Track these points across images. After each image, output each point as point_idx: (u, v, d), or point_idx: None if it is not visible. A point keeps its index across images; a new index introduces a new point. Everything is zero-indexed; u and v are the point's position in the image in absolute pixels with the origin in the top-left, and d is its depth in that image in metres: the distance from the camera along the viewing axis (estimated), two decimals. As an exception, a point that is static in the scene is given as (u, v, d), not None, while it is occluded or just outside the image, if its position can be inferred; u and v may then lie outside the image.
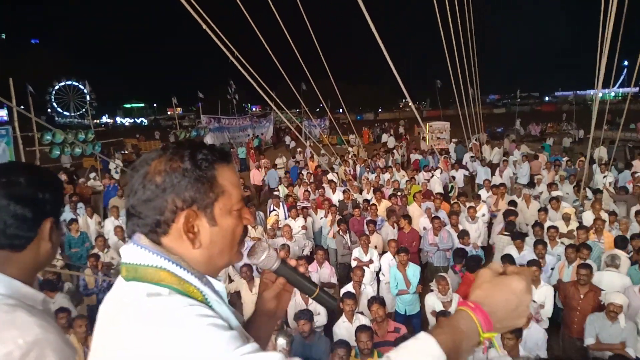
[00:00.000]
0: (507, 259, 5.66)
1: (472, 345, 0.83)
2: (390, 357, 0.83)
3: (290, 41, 9.88)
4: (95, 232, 9.29)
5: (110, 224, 9.13)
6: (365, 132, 31.06)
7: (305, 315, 4.87)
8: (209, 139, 27.09)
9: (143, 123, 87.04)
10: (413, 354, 0.82)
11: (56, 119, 67.92)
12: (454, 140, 20.82)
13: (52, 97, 71.02)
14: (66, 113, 72.50)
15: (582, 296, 5.22)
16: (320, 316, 5.47)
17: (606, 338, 4.72)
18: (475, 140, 18.12)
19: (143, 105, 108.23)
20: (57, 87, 70.92)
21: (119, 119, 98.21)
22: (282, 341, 4.16)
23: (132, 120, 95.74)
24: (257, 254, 1.09)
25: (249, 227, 6.69)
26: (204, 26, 6.51)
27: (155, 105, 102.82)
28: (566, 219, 7.74)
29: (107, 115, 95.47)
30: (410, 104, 12.32)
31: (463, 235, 7.22)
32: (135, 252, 0.91)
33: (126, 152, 26.84)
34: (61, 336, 1.09)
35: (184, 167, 0.90)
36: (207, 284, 0.93)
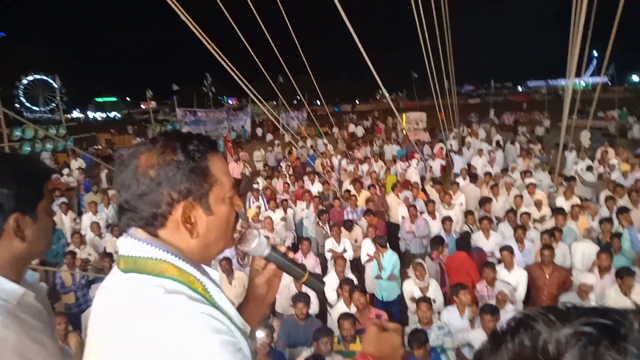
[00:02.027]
0: (507, 249, 5.80)
1: None
2: None
3: (266, 33, 9.81)
4: (70, 229, 9.10)
5: (87, 219, 8.96)
6: (349, 124, 31.03)
7: (304, 298, 5.00)
8: (184, 133, 26.73)
9: (116, 117, 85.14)
10: None
11: (25, 114, 65.78)
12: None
13: (20, 91, 68.69)
14: (35, 108, 70.24)
15: (547, 276, 5.48)
16: (313, 305, 5.53)
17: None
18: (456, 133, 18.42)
19: (115, 99, 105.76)
20: (25, 82, 68.61)
21: (90, 114, 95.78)
22: (261, 334, 4.18)
23: (104, 115, 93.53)
24: (249, 242, 1.11)
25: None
26: (183, 17, 6.39)
27: (128, 98, 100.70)
28: (538, 205, 8.01)
29: (78, 110, 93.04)
30: (386, 95, 12.39)
31: (445, 220, 7.35)
32: (133, 245, 0.92)
33: (100, 147, 26.26)
34: (31, 334, 1.06)
35: (177, 160, 0.91)
36: (204, 274, 0.95)
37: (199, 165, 0.93)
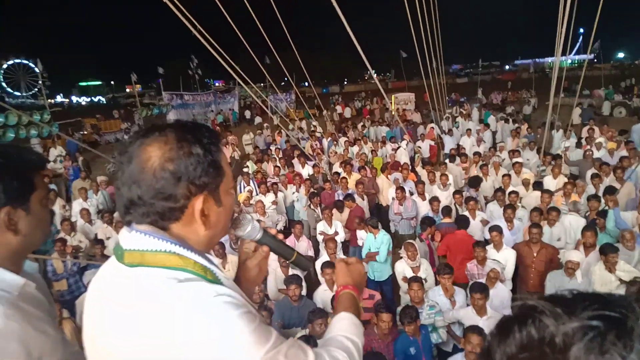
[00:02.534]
0: (496, 229, 5.89)
1: (358, 304, 1.26)
2: (333, 329, 1.14)
3: (252, 13, 9.64)
4: (59, 216, 9.01)
5: (78, 206, 8.88)
6: (342, 105, 30.89)
7: (296, 280, 5.08)
8: (171, 117, 26.42)
9: (101, 101, 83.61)
10: (346, 321, 1.16)
11: (6, 99, 64.25)
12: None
13: (1, 76, 66.93)
14: (17, 93, 68.58)
15: (535, 254, 5.60)
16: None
17: (565, 294, 5.06)
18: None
19: (100, 83, 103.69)
20: (5, 67, 66.79)
21: (74, 98, 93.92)
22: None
23: (88, 99, 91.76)
24: (244, 226, 1.13)
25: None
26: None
27: (112, 82, 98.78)
28: (526, 184, 8.13)
29: (61, 95, 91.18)
30: (373, 76, 12.35)
31: (432, 201, 7.44)
32: (139, 239, 0.91)
33: (85, 132, 25.83)
34: (34, 324, 1.07)
35: (196, 153, 0.91)
36: (212, 263, 0.97)
37: (215, 158, 0.94)
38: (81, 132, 25.26)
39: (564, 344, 0.43)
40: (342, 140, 14.25)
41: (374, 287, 6.12)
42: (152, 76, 46.66)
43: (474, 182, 8.51)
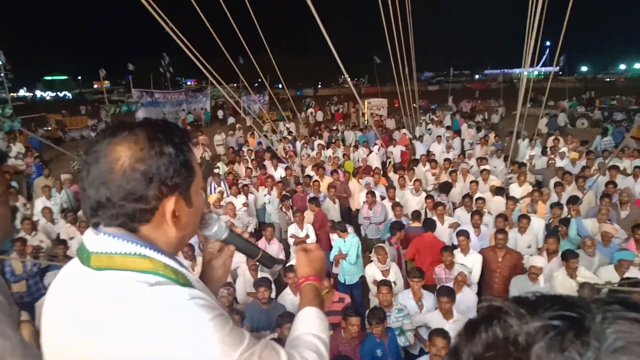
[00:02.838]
0: (464, 234, 6.01)
1: (321, 294, 1.24)
2: (300, 326, 1.12)
3: (228, 14, 9.57)
4: (20, 215, 8.66)
5: (40, 204, 8.55)
6: (316, 108, 30.87)
7: (265, 282, 5.04)
8: (141, 115, 25.85)
9: (67, 97, 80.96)
10: (311, 317, 1.13)
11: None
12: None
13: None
14: (-24, 85, 65.64)
15: (500, 259, 5.75)
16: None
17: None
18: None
19: (66, 77, 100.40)
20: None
21: (39, 93, 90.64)
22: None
23: (54, 94, 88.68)
24: (210, 226, 1.13)
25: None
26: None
27: (80, 77, 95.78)
28: (493, 191, 8.35)
29: (25, 89, 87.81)
30: (348, 81, 12.45)
31: (395, 206, 7.52)
32: (107, 242, 0.88)
33: (50, 128, 24.96)
34: None
35: (168, 153, 0.88)
36: (182, 265, 0.95)
37: (187, 158, 0.92)
38: (45, 128, 24.39)
39: (527, 343, 0.45)
40: (317, 143, 14.27)
41: (344, 290, 6.15)
42: (122, 72, 45.44)
43: (445, 188, 8.68)
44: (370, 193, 7.94)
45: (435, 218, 7.12)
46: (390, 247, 6.54)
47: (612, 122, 17.27)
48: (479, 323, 0.51)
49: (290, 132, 18.20)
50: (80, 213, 7.99)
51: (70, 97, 78.91)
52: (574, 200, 7.11)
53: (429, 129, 17.20)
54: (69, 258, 1.03)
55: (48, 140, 15.20)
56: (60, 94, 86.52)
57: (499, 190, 8.26)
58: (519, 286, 5.28)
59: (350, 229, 6.73)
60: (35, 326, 4.61)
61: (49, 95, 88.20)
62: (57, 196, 9.16)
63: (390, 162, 12.80)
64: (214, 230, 1.13)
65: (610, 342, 0.42)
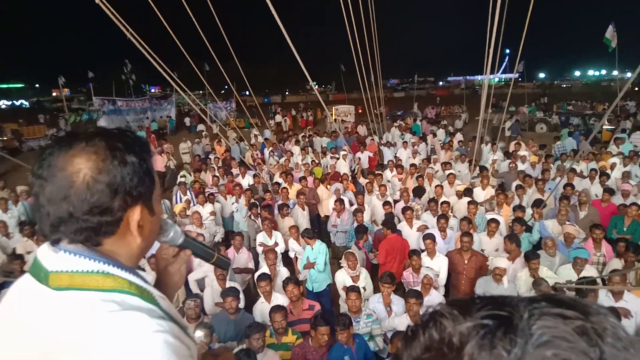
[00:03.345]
0: (430, 237, 6.11)
1: None
2: None
3: (193, 19, 9.45)
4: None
5: (-5, 217, 8.15)
6: (289, 115, 30.79)
7: (233, 292, 4.96)
8: (103, 123, 25.18)
9: (23, 105, 77.80)
10: None
11: None
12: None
13: None
14: None
15: (466, 261, 5.87)
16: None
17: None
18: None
19: (23, 85, 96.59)
20: None
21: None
22: (199, 333, 4.11)
23: (9, 103, 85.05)
24: (166, 232, 1.11)
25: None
26: (97, 0, 5.96)
27: (37, 85, 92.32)
28: (459, 195, 8.55)
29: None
30: (314, 88, 12.50)
31: (356, 212, 7.56)
32: (67, 260, 0.84)
33: (5, 138, 23.90)
34: None
35: (131, 162, 0.85)
36: (145, 281, 0.91)
37: (149, 166, 0.90)
38: (0, 138, 23.36)
39: (460, 343, 0.47)
40: (297, 148, 14.26)
41: (313, 298, 6.10)
42: (82, 80, 44.11)
43: (418, 192, 8.83)
44: (339, 201, 7.96)
45: (404, 223, 7.25)
46: (359, 250, 6.58)
47: (571, 127, 18.04)
48: (417, 327, 0.53)
49: (256, 138, 18.06)
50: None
51: (28, 105, 75.90)
52: (538, 204, 7.36)
53: (402, 135, 17.44)
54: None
55: (3, 151, 14.55)
56: (17, 103, 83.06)
57: (466, 192, 8.47)
58: (484, 287, 5.41)
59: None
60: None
61: (4, 104, 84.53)
62: (13, 209, 8.78)
63: (358, 168, 12.91)
64: (170, 235, 1.11)
65: (536, 337, 0.44)
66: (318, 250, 6.39)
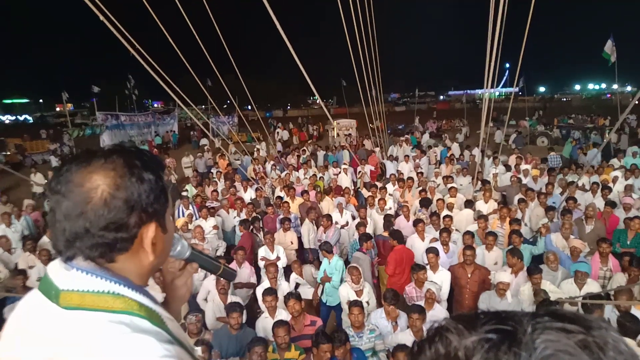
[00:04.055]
0: (433, 251, 6.10)
1: None
2: None
3: (195, 34, 9.58)
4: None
5: (0, 231, 8.16)
6: (294, 130, 30.87)
7: (239, 307, 4.96)
8: (106, 138, 25.29)
9: (27, 120, 78.29)
10: None
11: None
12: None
13: None
14: None
15: (469, 275, 5.85)
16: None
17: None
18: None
19: (27, 100, 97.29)
20: None
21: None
22: (197, 350, 4.09)
23: (13, 118, 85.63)
24: (174, 245, 1.11)
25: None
26: (101, 17, 6.05)
27: (41, 100, 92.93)
28: (460, 205, 8.53)
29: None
30: (319, 102, 12.52)
31: (359, 226, 7.56)
32: (79, 278, 0.84)
33: (9, 152, 24.04)
34: None
35: (148, 179, 0.87)
36: (155, 302, 0.91)
37: (164, 184, 0.91)
38: (3, 153, 23.49)
39: (466, 357, 0.48)
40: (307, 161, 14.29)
41: (326, 311, 6.25)
42: (86, 95, 44.51)
43: (425, 203, 8.88)
44: (326, 217, 7.92)
45: (416, 235, 7.28)
46: (365, 254, 6.57)
47: (573, 141, 18.06)
48: (424, 342, 0.55)
49: (258, 152, 18.10)
50: (41, 241, 7.65)
51: (32, 120, 76.39)
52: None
53: (413, 149, 17.43)
54: (28, 289, 0.97)
55: (7, 166, 14.59)
56: (20, 118, 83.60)
57: (467, 204, 8.46)
58: (487, 302, 5.37)
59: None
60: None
61: (7, 119, 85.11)
62: (17, 223, 8.78)
63: (361, 181, 12.93)
64: (177, 249, 1.12)
65: (540, 351, 0.45)
66: (335, 266, 6.39)
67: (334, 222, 8.07)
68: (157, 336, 0.82)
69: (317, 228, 8.20)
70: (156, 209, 0.89)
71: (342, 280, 6.28)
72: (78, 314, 0.81)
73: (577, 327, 0.47)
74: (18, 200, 11.47)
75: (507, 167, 12.75)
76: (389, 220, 7.64)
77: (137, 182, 0.85)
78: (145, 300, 0.88)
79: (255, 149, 18.44)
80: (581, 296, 5.14)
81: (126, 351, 0.77)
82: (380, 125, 18.35)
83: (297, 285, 6.60)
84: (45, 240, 7.59)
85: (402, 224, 8.12)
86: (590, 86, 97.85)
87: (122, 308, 0.83)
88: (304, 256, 8.04)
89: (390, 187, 10.83)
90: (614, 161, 12.98)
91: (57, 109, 74.23)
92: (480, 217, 7.49)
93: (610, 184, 9.88)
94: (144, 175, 0.86)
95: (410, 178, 10.85)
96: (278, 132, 28.97)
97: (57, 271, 0.86)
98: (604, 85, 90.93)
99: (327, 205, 9.40)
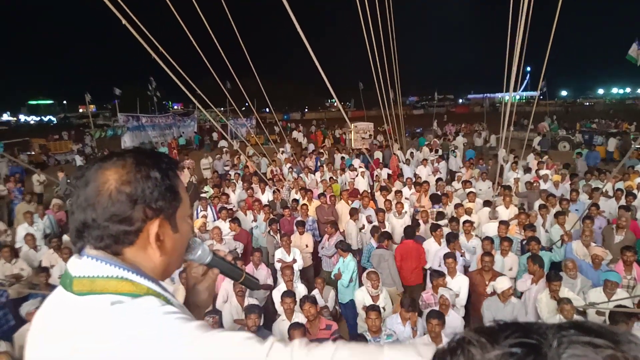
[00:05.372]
0: (451, 256, 6.04)
1: None
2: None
3: (214, 38, 9.68)
4: (-1, 242, 8.45)
5: (22, 230, 8.34)
6: (318, 133, 30.98)
7: (258, 309, 4.99)
8: (127, 139, 25.74)
9: (51, 121, 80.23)
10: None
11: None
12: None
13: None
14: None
15: (487, 282, 5.74)
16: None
17: (502, 318, 5.21)
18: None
19: (51, 102, 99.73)
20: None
21: (22, 117, 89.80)
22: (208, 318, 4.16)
23: (38, 119, 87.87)
24: (195, 250, 1.13)
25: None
26: (124, 21, 6.16)
27: (65, 102, 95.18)
28: (481, 214, 8.42)
29: (8, 113, 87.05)
30: (337, 104, 12.52)
31: (373, 232, 7.41)
32: (89, 265, 0.88)
33: (33, 152, 24.65)
34: None
35: (153, 177, 0.91)
36: (165, 290, 0.95)
37: (173, 183, 0.95)
38: (28, 153, 24.10)
39: None
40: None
41: (343, 307, 6.43)
42: (108, 97, 45.42)
43: (435, 199, 8.92)
44: (331, 223, 7.82)
45: (430, 241, 7.25)
46: (385, 250, 6.66)
47: (593, 146, 17.71)
48: (445, 353, 0.54)
49: (282, 154, 18.16)
50: (64, 238, 7.83)
51: (55, 121, 78.23)
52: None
53: (436, 152, 17.31)
54: (51, 286, 1.00)
55: (31, 165, 14.98)
56: (45, 119, 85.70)
57: (485, 204, 8.50)
58: (492, 308, 5.33)
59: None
60: (13, 358, 4.46)
61: (32, 119, 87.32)
62: (39, 222, 8.98)
63: (377, 185, 12.86)
64: (198, 254, 1.14)
65: None
66: (347, 266, 6.45)
67: (364, 222, 8.25)
68: (163, 306, 0.85)
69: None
70: (161, 206, 0.92)
71: (350, 281, 6.42)
72: (90, 298, 0.85)
73: (605, 341, 0.46)
74: (39, 200, 11.74)
75: (528, 170, 12.54)
76: (412, 230, 7.33)
77: (142, 179, 0.90)
78: (154, 285, 0.92)
79: (280, 152, 18.43)
80: (606, 301, 5.01)
81: (130, 315, 0.81)
82: (388, 130, 18.28)
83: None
84: (67, 238, 7.75)
85: (420, 228, 8.06)
86: (615, 90, 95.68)
87: (129, 291, 0.87)
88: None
89: (406, 191, 10.75)
90: (639, 167, 12.65)
91: (80, 110, 75.83)
92: (502, 223, 7.36)
93: (635, 191, 9.63)
94: (150, 173, 0.91)
95: (425, 182, 10.75)
96: (294, 134, 29.08)
97: (72, 262, 0.92)
98: (628, 90, 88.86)
99: (341, 208, 9.38)
